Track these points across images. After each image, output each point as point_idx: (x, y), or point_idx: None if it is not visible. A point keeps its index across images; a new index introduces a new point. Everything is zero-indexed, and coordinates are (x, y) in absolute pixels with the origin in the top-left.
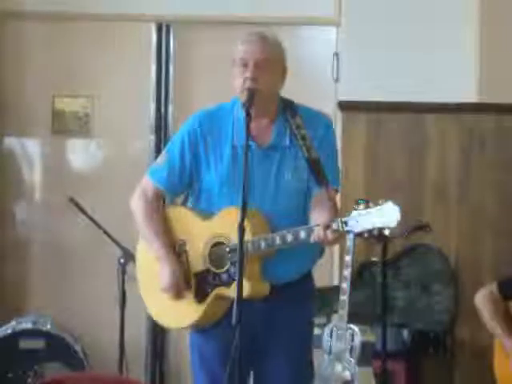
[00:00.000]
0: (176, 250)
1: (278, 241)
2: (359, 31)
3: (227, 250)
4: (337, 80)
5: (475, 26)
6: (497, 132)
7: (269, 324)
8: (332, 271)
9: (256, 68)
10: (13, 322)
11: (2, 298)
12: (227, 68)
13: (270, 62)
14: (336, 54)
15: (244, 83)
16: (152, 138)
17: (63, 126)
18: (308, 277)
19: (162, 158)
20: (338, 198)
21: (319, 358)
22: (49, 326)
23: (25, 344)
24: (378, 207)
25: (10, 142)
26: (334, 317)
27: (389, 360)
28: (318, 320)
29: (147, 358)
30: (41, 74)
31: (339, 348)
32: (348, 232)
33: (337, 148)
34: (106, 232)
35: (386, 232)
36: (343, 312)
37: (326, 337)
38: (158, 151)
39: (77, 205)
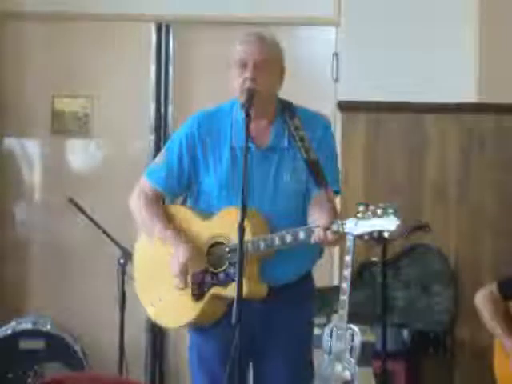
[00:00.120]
0: None
1: (277, 241)
2: (359, 31)
3: (227, 250)
4: (336, 80)
5: (475, 25)
6: (496, 132)
7: (267, 325)
8: (332, 271)
9: (255, 68)
10: (13, 323)
11: (1, 299)
12: (227, 68)
13: (268, 62)
14: (335, 54)
15: (243, 83)
16: (152, 138)
17: (63, 126)
18: (307, 278)
19: (160, 158)
20: (337, 200)
21: (319, 358)
22: (49, 327)
23: (25, 344)
24: (378, 210)
25: (10, 142)
26: (334, 317)
27: (389, 360)
28: (318, 320)
29: (147, 358)
30: (40, 74)
31: (339, 348)
32: (348, 234)
33: (336, 149)
34: (105, 232)
35: (386, 235)
36: (343, 312)
37: (326, 337)
38: (158, 151)
39: (76, 205)
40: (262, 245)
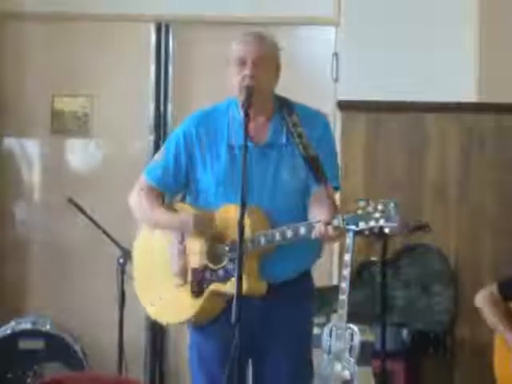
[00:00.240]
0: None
1: (277, 237)
2: (358, 31)
3: (226, 248)
4: (336, 80)
5: (475, 25)
6: (496, 131)
7: (266, 322)
8: (331, 271)
9: (254, 66)
10: (12, 323)
11: (1, 299)
12: (226, 68)
13: (266, 59)
14: (335, 54)
15: (242, 81)
16: (151, 137)
17: (62, 125)
18: (307, 276)
19: (158, 156)
20: (337, 196)
21: (319, 358)
22: (48, 327)
23: (24, 344)
24: (379, 205)
25: (10, 142)
26: (334, 316)
27: (388, 360)
28: (317, 319)
29: (146, 358)
30: (40, 74)
31: (338, 347)
32: (349, 229)
33: (335, 146)
34: (105, 232)
35: (387, 230)
36: (342, 311)
37: (325, 336)
38: (157, 151)
39: (76, 205)
40: (262, 240)
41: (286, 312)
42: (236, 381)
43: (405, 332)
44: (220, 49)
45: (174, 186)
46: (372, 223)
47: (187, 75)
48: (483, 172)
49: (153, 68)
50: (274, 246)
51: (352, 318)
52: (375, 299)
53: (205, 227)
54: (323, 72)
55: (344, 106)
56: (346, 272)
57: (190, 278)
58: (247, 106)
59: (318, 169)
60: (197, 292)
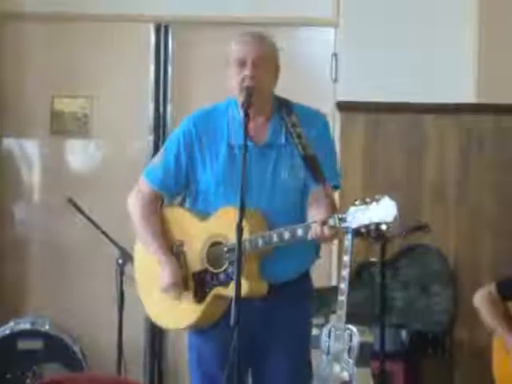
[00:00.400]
0: (174, 250)
1: (275, 238)
2: (357, 31)
3: (225, 249)
4: (335, 80)
5: (474, 25)
6: (495, 132)
7: (267, 323)
8: (330, 271)
9: (254, 66)
10: (11, 323)
11: (0, 299)
12: (226, 68)
13: (265, 60)
14: (334, 55)
15: (242, 82)
16: (151, 138)
17: (62, 126)
18: (306, 276)
19: (158, 158)
20: (336, 195)
21: (317, 359)
22: (47, 327)
23: (23, 345)
24: (375, 202)
25: (9, 142)
26: (333, 317)
27: (387, 361)
28: (316, 320)
29: (145, 359)
30: (40, 74)
31: (337, 348)
32: (345, 228)
33: (334, 145)
34: (104, 232)
35: (384, 227)
36: (341, 312)
37: (324, 337)
38: (157, 151)
39: (75, 205)
40: (260, 242)
41: (287, 312)
42: (236, 381)
43: (404, 333)
44: (219, 49)
45: (174, 188)
46: (368, 220)
47: (187, 76)
48: (482, 173)
49: (152, 68)
50: (271, 247)
51: (351, 318)
52: (374, 300)
53: (177, 287)
54: (322, 73)
55: (343, 106)
56: (345, 273)
57: (191, 283)
58: (247, 106)
59: (316, 169)
60: (199, 297)
